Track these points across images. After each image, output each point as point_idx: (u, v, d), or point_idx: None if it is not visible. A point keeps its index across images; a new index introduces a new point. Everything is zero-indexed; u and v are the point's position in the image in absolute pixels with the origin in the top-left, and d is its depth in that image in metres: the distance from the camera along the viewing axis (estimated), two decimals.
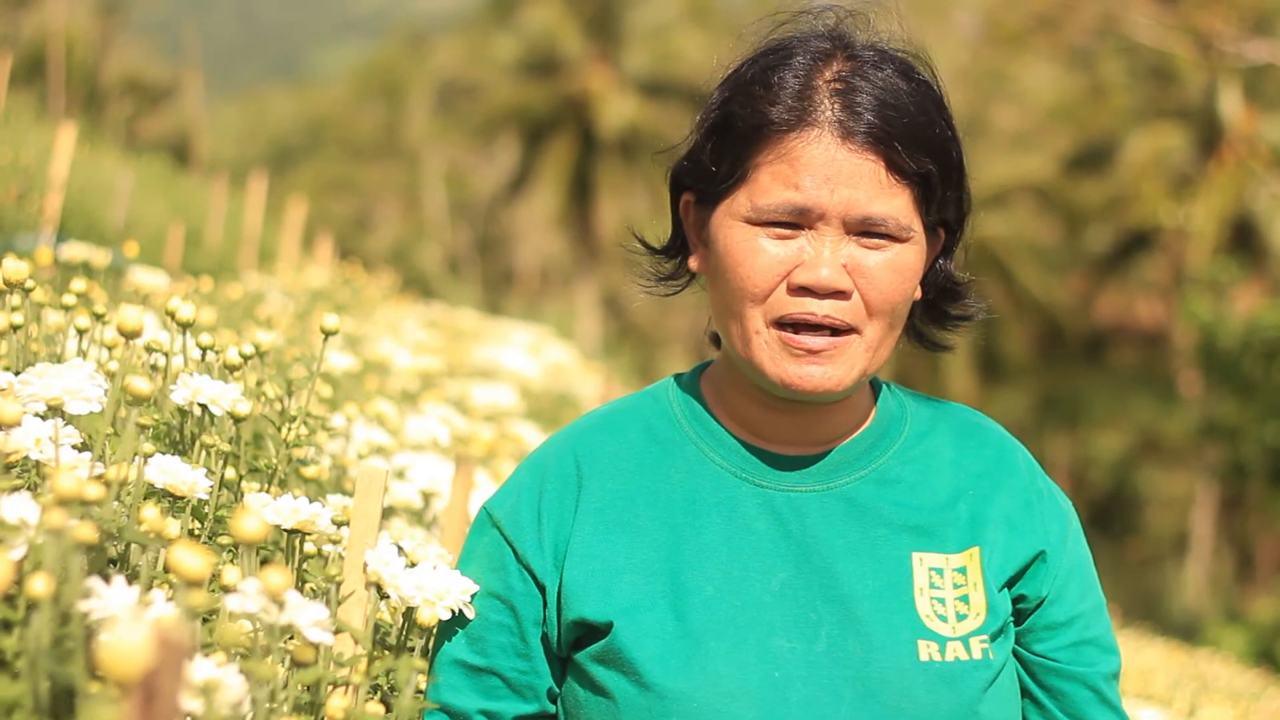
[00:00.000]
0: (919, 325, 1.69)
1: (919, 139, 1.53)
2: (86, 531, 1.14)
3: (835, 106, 1.52)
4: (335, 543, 1.77)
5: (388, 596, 1.58)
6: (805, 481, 1.62)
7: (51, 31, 22.91)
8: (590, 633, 1.58)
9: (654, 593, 1.57)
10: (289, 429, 1.99)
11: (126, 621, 1.12)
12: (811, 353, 1.54)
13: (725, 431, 1.65)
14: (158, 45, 41.10)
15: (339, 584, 1.56)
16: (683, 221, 1.65)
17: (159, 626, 0.88)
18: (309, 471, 2.18)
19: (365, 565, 1.59)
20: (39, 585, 1.11)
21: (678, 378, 1.73)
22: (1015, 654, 1.64)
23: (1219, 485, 27.03)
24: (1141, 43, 26.76)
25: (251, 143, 42.79)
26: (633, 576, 1.58)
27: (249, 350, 1.97)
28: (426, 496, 2.94)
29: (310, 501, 1.66)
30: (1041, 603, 1.62)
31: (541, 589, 1.61)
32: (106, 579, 1.18)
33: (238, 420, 1.82)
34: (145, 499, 1.54)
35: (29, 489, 1.47)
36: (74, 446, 1.50)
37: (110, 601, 1.14)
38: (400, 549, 1.67)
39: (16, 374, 1.63)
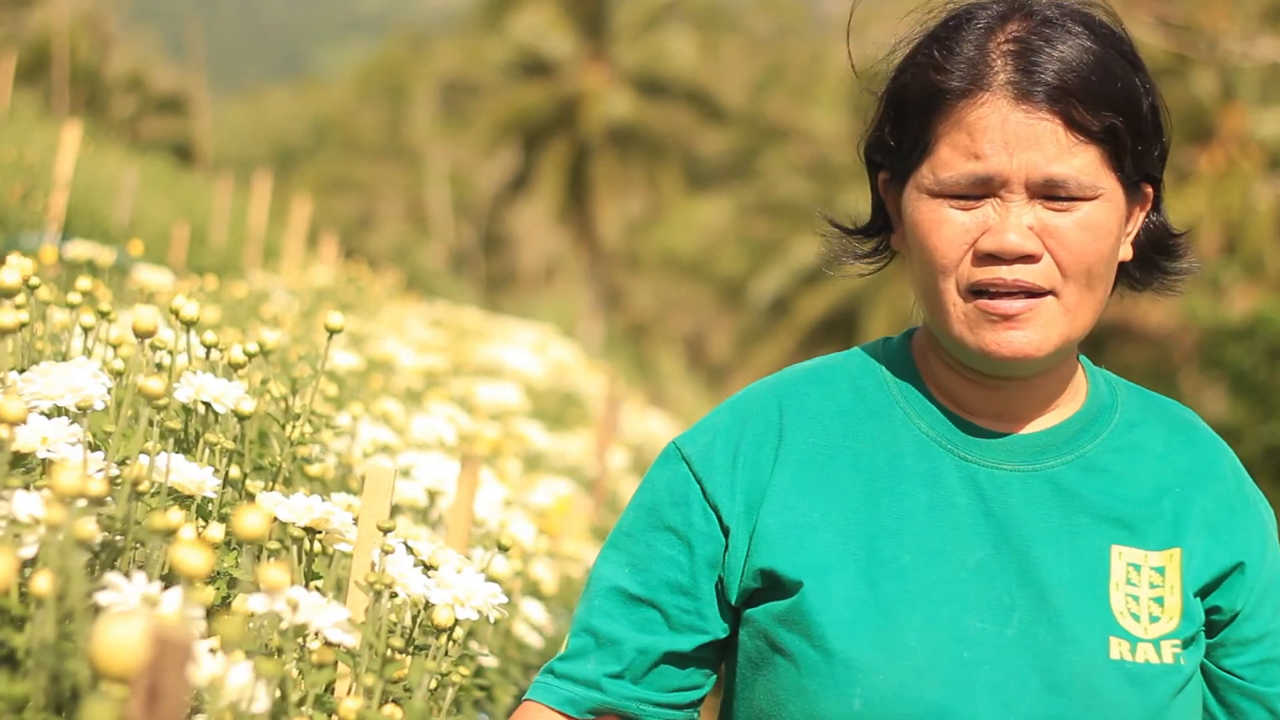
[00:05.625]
0: (1137, 280, 1.64)
1: (1099, 94, 1.46)
2: (85, 528, 1.14)
3: (1008, 68, 1.47)
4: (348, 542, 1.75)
5: (395, 596, 1.57)
6: (1011, 460, 1.56)
7: (55, 30, 22.93)
8: (774, 587, 1.53)
9: (846, 555, 1.51)
10: (293, 427, 1.99)
11: (122, 617, 1.12)
12: (1007, 318, 1.48)
13: (932, 400, 1.59)
14: (162, 43, 41.09)
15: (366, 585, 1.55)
16: (883, 199, 1.61)
17: (160, 624, 0.87)
18: (313, 470, 2.17)
19: (373, 565, 1.58)
20: (41, 582, 1.11)
21: (887, 341, 1.67)
22: (1200, 665, 1.57)
23: None
24: (1144, 40, 26.68)
25: (256, 142, 42.77)
26: (826, 535, 1.52)
27: (253, 348, 1.96)
28: (432, 495, 2.93)
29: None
30: (1235, 616, 1.56)
31: (725, 531, 1.56)
32: (127, 575, 1.17)
33: (242, 418, 1.81)
34: (154, 496, 1.53)
35: (38, 488, 1.46)
36: (80, 444, 1.49)
37: (128, 596, 1.14)
38: (409, 548, 1.66)
39: (21, 372, 1.62)
